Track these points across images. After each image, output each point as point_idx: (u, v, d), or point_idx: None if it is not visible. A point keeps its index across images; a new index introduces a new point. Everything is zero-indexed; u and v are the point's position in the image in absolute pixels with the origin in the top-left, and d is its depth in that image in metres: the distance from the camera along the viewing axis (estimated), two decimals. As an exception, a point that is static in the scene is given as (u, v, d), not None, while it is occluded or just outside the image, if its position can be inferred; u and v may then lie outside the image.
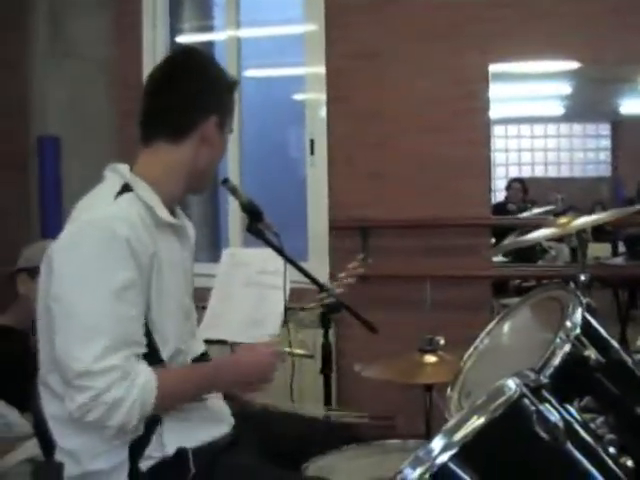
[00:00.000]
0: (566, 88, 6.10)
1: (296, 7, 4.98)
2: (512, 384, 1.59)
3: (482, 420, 1.55)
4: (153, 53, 5.14)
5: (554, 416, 1.53)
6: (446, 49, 4.61)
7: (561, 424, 1.53)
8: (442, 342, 2.80)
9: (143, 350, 2.09)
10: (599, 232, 5.22)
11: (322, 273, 4.61)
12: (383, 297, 4.54)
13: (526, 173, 7.06)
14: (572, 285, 2.29)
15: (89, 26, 5.02)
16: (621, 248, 5.79)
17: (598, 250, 5.67)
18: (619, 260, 5.47)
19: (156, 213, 2.15)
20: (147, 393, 2.02)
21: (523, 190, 5.76)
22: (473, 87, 4.57)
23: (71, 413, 2.01)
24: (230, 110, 2.35)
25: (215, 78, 2.31)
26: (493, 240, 5.04)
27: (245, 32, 5.16)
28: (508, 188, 5.71)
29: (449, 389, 2.22)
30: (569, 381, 1.96)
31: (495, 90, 4.74)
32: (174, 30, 5.35)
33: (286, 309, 3.03)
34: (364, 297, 4.43)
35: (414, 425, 3.02)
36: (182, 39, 5.39)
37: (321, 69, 4.82)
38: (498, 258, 4.96)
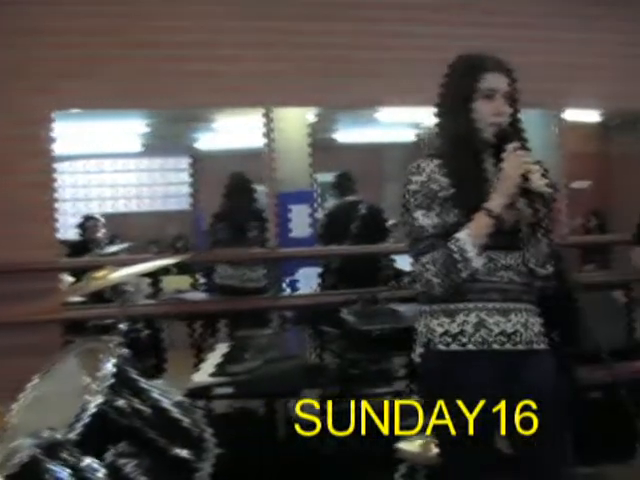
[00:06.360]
0: (142, 126, 6.25)
1: None
2: (26, 444, 1.62)
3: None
4: None
5: (63, 474, 1.59)
6: (11, 89, 4.51)
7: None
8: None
9: None
10: (180, 265, 5.40)
11: None
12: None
13: (108, 208, 7.14)
14: (108, 337, 2.38)
15: None
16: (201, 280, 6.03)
17: (179, 282, 5.87)
18: (197, 294, 5.64)
19: None
20: None
21: (100, 226, 5.71)
22: (37, 130, 4.50)
23: None
24: None
25: None
26: (71, 279, 5.01)
27: None
28: (82, 226, 5.66)
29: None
30: (103, 429, 2.04)
31: (72, 127, 4.68)
32: None
33: None
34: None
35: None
36: None
37: None
38: (75, 299, 4.92)
